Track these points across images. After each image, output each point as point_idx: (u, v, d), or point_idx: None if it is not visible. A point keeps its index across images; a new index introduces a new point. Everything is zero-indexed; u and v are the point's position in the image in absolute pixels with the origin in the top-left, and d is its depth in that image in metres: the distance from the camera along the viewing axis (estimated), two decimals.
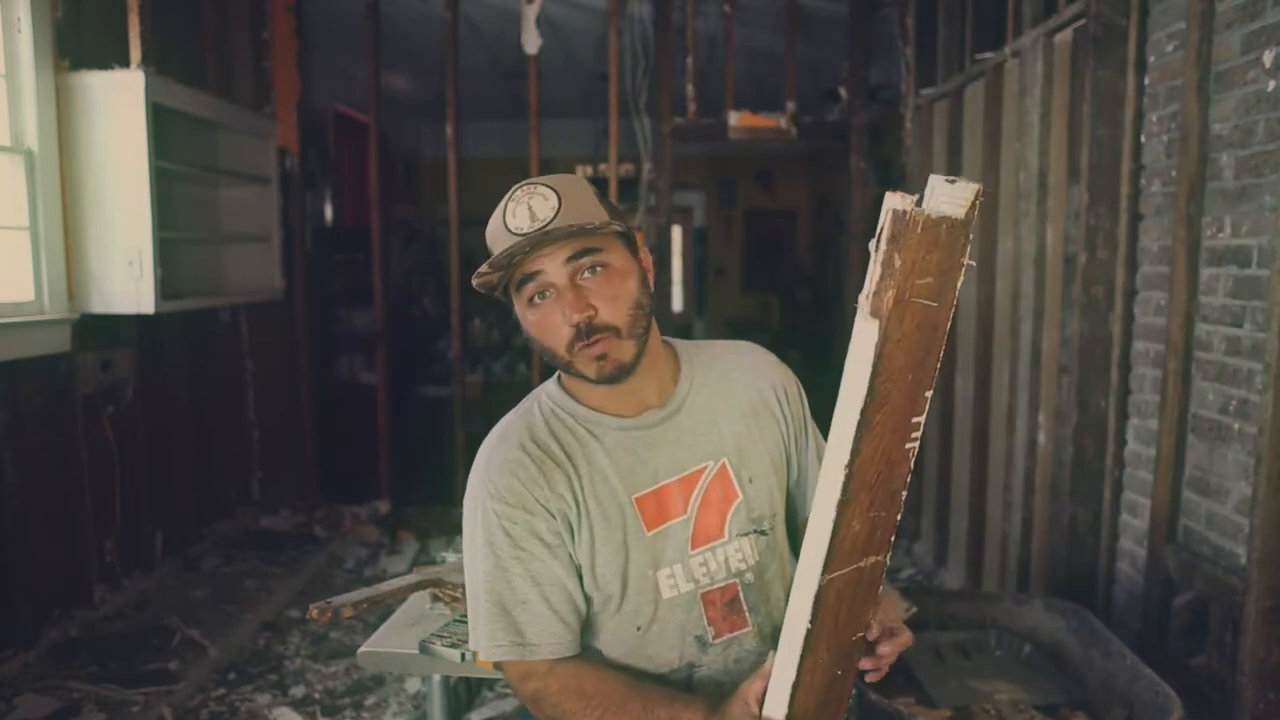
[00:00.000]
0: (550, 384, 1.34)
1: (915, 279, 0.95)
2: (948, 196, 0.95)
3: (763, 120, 4.22)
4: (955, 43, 3.61)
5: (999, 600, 2.41)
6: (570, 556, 1.25)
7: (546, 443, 1.26)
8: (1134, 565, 2.34)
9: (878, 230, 0.94)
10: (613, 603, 1.26)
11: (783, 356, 1.45)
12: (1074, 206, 2.57)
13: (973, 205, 0.96)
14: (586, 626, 1.29)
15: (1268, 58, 1.84)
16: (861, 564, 1.08)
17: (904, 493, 1.07)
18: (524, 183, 1.22)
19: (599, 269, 1.19)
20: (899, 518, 1.08)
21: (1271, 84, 1.83)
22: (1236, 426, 1.94)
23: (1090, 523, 2.54)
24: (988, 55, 3.21)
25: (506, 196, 1.22)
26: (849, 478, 1.01)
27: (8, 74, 2.79)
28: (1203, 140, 2.05)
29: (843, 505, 1.02)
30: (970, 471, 3.36)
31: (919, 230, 0.93)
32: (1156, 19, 2.26)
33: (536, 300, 1.20)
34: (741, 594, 1.29)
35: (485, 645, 1.25)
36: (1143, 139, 2.33)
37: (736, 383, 1.35)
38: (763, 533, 1.32)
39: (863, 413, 0.99)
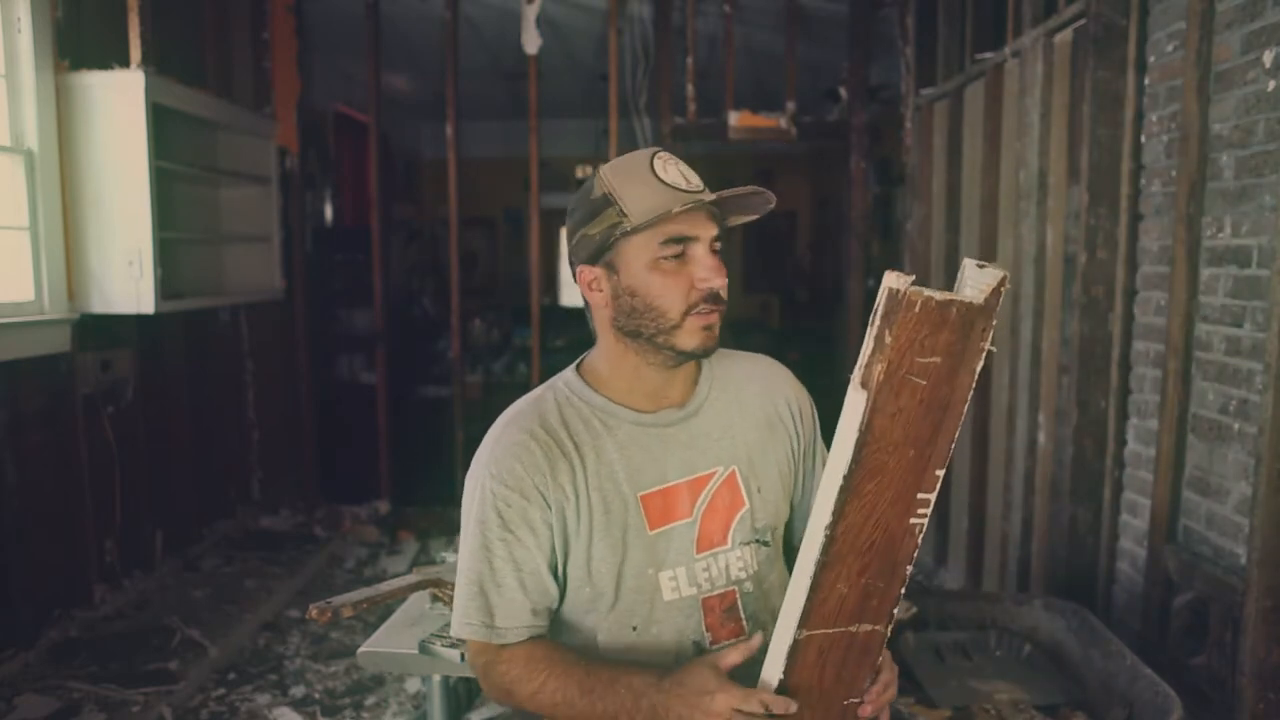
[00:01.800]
0: (568, 372, 1.34)
1: (915, 356, 0.98)
2: (974, 280, 1.00)
3: (763, 120, 4.22)
4: (955, 43, 3.61)
5: (999, 600, 2.41)
6: (554, 550, 1.25)
7: (556, 430, 1.26)
8: (1134, 565, 2.34)
9: (874, 305, 0.97)
10: (605, 600, 1.26)
11: (782, 357, 1.46)
12: (1074, 206, 2.57)
13: (994, 291, 0.99)
14: (579, 621, 1.29)
15: (1268, 58, 1.84)
16: (853, 629, 1.09)
17: (909, 567, 1.08)
18: (654, 149, 1.25)
19: (719, 251, 1.25)
20: (902, 591, 1.09)
21: (1271, 84, 1.83)
22: (1236, 426, 1.94)
23: (1090, 523, 2.54)
24: (988, 55, 3.21)
25: (645, 154, 1.23)
26: (829, 540, 1.04)
27: (8, 74, 2.79)
28: (1203, 140, 2.05)
29: (823, 565, 1.05)
30: (970, 471, 3.36)
31: (916, 309, 0.96)
32: (1156, 19, 2.26)
33: (669, 260, 1.21)
34: (740, 602, 1.29)
35: (459, 620, 1.27)
36: (1143, 139, 2.33)
37: (753, 394, 1.35)
38: (764, 543, 1.32)
39: (846, 478, 1.02)
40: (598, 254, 1.23)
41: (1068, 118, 2.68)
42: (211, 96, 3.61)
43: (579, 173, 8.42)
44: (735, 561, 1.29)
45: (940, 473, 1.04)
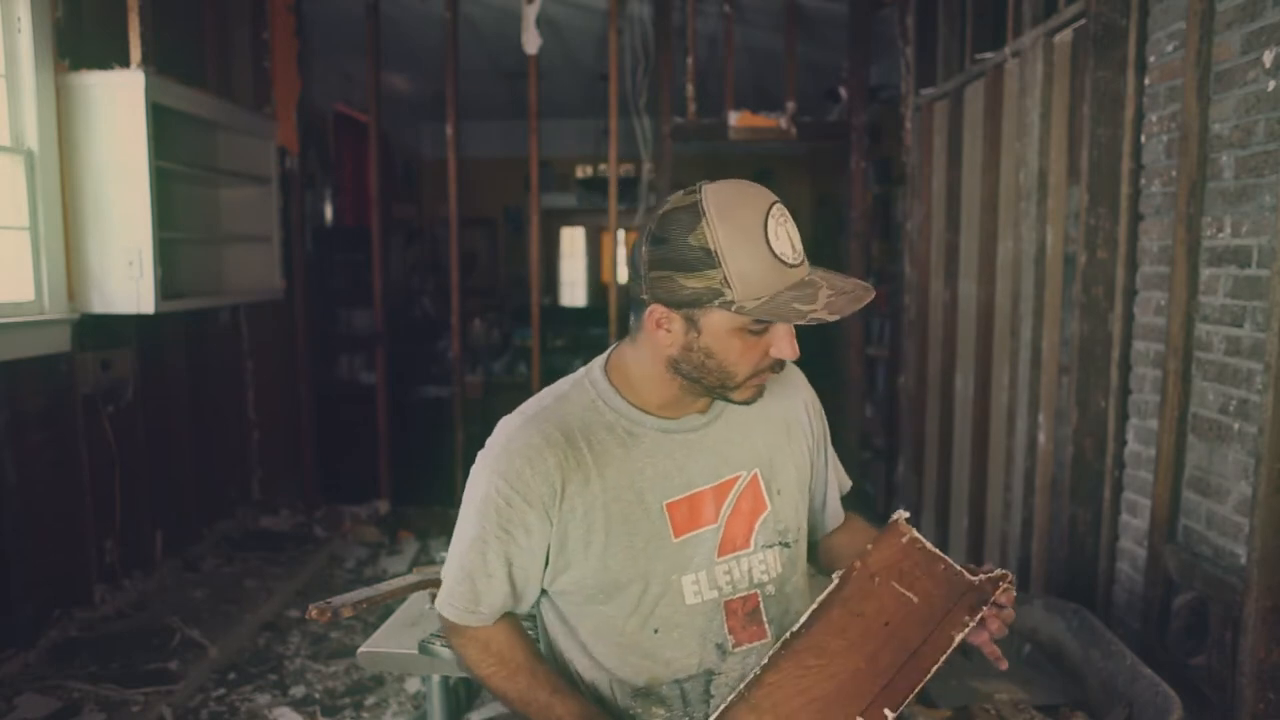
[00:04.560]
0: (597, 373, 1.30)
1: (891, 580, 1.18)
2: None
3: (763, 120, 4.22)
4: (955, 43, 3.61)
5: None
6: (547, 552, 1.26)
7: (575, 438, 1.24)
8: (1134, 565, 2.34)
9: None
10: (623, 605, 1.26)
11: None
12: (1074, 206, 2.57)
13: (992, 580, 1.14)
14: (589, 614, 1.29)
15: (1268, 58, 1.84)
16: None
17: None
18: (767, 196, 1.16)
19: None
20: None
21: (1271, 84, 1.83)
22: (1236, 426, 1.94)
23: (1090, 523, 2.54)
24: (988, 55, 3.21)
25: (759, 207, 1.14)
26: (756, 680, 1.13)
27: (8, 74, 2.79)
28: (1203, 140, 2.05)
29: (741, 698, 1.13)
30: (970, 471, 3.36)
31: (903, 540, 1.19)
32: (1156, 19, 2.26)
33: (753, 334, 1.17)
34: (762, 605, 1.29)
35: (443, 599, 1.30)
36: (1143, 139, 2.33)
37: (771, 397, 1.34)
38: (786, 545, 1.33)
39: (793, 634, 1.14)
40: (682, 305, 1.16)
41: (1068, 118, 2.67)
42: (211, 96, 3.61)
43: (579, 172, 8.43)
44: (758, 565, 1.29)
45: (891, 715, 1.09)
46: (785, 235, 1.14)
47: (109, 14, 3.13)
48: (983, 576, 1.13)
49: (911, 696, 1.09)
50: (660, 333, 1.19)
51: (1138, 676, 1.86)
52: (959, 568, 1.14)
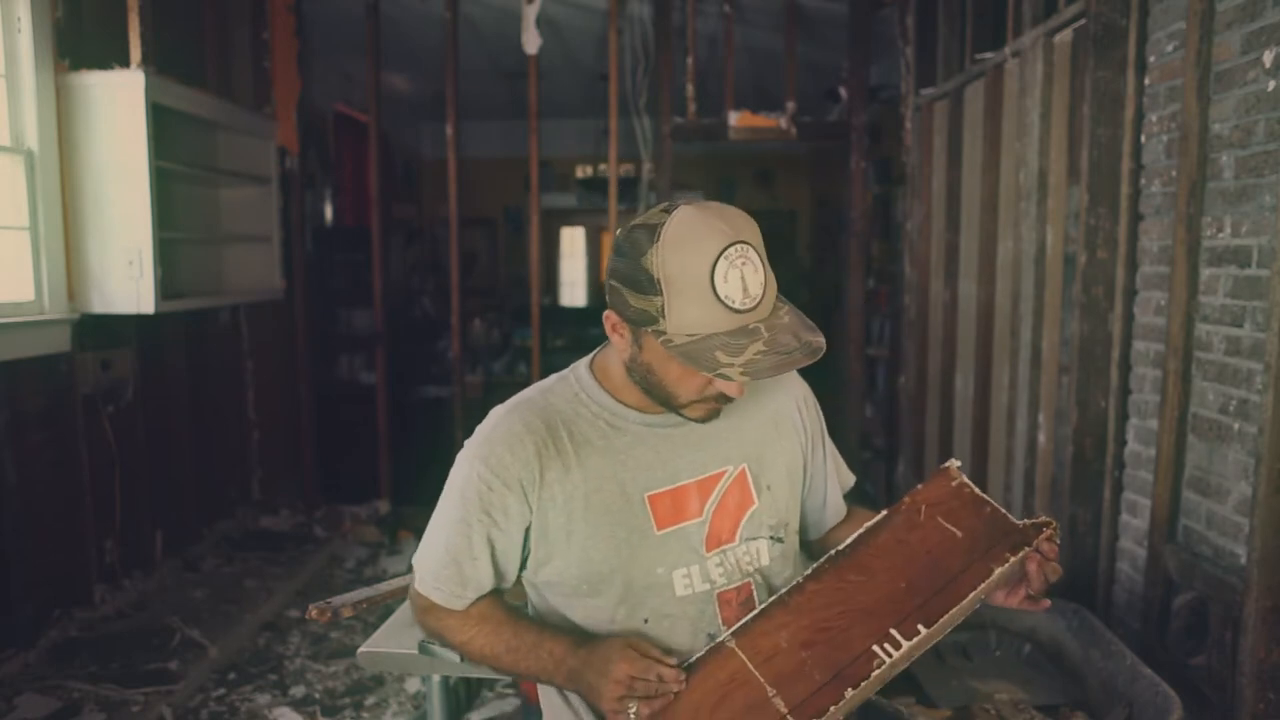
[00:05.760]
0: (582, 368, 1.34)
1: (937, 515, 1.24)
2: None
3: (763, 120, 4.22)
4: (955, 43, 3.61)
5: None
6: (526, 537, 1.28)
7: (556, 428, 1.27)
8: (1134, 565, 2.34)
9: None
10: (610, 595, 1.27)
11: None
12: (1074, 206, 2.57)
13: (1035, 526, 1.18)
14: (573, 605, 1.30)
15: (1268, 58, 1.84)
16: (769, 692, 1.11)
17: (850, 691, 1.08)
18: (734, 233, 1.11)
19: None
20: (834, 709, 1.08)
21: (1271, 84, 1.83)
22: (1236, 426, 1.94)
23: (1090, 523, 2.54)
24: (988, 55, 3.21)
25: (713, 248, 1.09)
26: (798, 587, 1.19)
27: (8, 74, 2.79)
28: (1203, 140, 2.05)
29: (781, 603, 1.19)
30: (970, 471, 3.36)
31: (952, 484, 1.29)
32: (1156, 19, 2.26)
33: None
34: (755, 595, 1.30)
35: (429, 582, 1.31)
36: (1143, 139, 2.33)
37: (761, 392, 1.35)
38: (777, 539, 1.33)
39: (839, 553, 1.21)
40: (629, 320, 1.18)
41: (1068, 118, 2.67)
42: (211, 96, 3.61)
43: (579, 172, 8.43)
44: (744, 556, 1.30)
45: (924, 630, 1.11)
46: (738, 278, 1.10)
47: (109, 14, 3.13)
48: (1027, 522, 1.18)
49: (947, 619, 1.11)
50: (615, 337, 1.24)
51: (1138, 676, 1.86)
52: (1004, 512, 1.18)
